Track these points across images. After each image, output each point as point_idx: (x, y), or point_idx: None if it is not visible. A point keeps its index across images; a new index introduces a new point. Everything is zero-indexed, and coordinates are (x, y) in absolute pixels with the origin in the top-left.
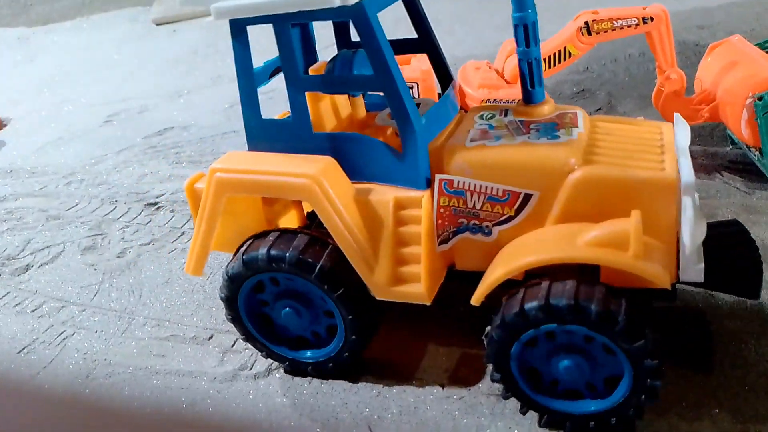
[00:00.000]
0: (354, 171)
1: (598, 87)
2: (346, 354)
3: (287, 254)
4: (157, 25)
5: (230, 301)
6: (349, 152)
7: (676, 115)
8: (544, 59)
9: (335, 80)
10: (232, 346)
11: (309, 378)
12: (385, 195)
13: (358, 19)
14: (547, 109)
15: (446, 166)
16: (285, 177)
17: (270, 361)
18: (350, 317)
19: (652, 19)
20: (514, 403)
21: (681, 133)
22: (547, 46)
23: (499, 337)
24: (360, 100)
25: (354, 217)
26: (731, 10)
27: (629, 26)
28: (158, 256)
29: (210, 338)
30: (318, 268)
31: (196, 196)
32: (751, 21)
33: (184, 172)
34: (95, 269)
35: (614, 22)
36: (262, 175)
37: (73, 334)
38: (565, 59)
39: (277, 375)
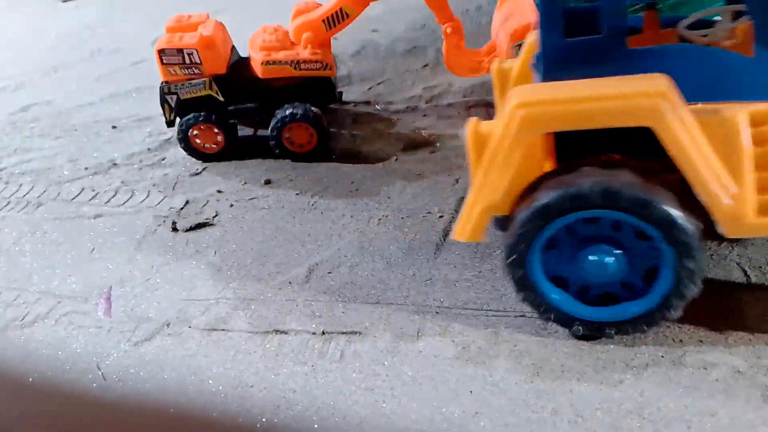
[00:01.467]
0: (683, 90)
1: (430, 44)
2: (672, 305)
3: (626, 188)
4: (64, 2)
5: (518, 263)
6: (675, 69)
7: None
8: (323, 21)
9: None
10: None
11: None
12: (735, 111)
13: None
14: None
15: None
16: (622, 100)
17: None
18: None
19: None
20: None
21: None
22: (324, 8)
23: None
24: (655, 15)
25: (701, 140)
26: None
27: None
28: None
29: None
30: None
31: (481, 142)
32: None
33: (32, 144)
34: None
35: None
36: (589, 103)
37: None
38: (343, 20)
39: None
